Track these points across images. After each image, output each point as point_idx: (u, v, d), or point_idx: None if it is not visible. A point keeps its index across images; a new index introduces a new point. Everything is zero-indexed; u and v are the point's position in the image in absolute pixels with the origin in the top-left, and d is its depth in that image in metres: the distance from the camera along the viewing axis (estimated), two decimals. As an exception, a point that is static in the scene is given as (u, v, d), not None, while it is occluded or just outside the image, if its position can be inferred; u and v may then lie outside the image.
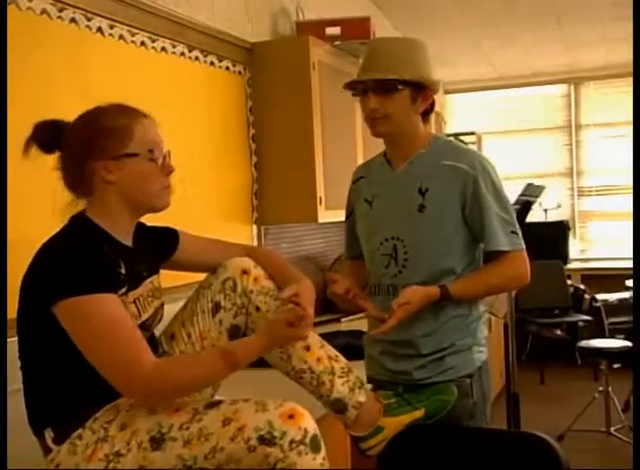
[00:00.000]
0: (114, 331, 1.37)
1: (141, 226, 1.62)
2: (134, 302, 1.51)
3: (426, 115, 1.93)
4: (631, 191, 6.10)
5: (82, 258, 1.39)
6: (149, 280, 1.60)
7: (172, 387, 1.42)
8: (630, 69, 5.70)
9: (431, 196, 1.86)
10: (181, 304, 1.72)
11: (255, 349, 1.51)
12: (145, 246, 1.61)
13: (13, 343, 1.52)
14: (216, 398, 1.63)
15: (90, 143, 1.49)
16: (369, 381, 1.89)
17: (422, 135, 1.92)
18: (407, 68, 1.83)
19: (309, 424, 1.37)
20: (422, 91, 1.86)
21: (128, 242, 1.56)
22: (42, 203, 1.56)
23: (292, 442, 1.34)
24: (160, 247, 1.68)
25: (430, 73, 1.88)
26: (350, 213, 2.06)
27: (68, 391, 1.45)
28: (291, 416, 1.36)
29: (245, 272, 1.67)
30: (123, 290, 1.46)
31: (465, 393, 1.84)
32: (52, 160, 1.55)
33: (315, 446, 1.37)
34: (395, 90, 1.83)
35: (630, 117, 5.91)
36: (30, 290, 1.42)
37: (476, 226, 1.85)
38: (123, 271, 1.49)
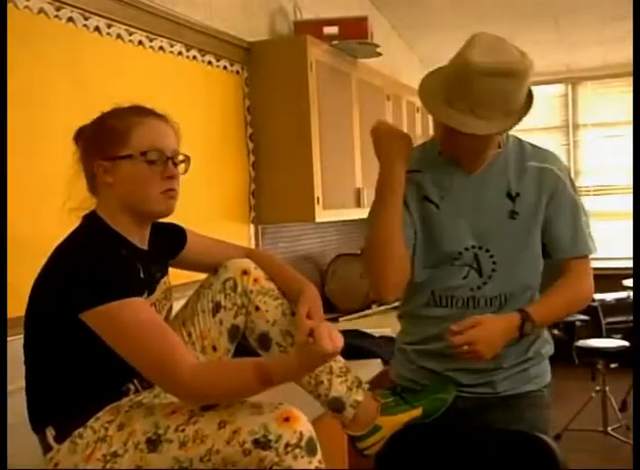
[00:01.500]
0: (148, 335, 1.37)
1: (153, 224, 1.61)
2: (153, 305, 1.52)
3: None
4: (628, 191, 6.11)
5: (106, 265, 1.39)
6: (162, 281, 1.61)
7: (206, 393, 1.39)
8: (628, 69, 5.71)
9: (522, 201, 1.71)
10: (182, 303, 1.73)
11: (291, 369, 1.43)
12: (156, 246, 1.60)
13: (12, 342, 1.52)
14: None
15: (91, 142, 1.51)
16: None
17: (495, 138, 1.70)
18: (498, 110, 1.57)
19: (305, 427, 1.37)
20: None
21: (143, 245, 1.56)
22: (50, 202, 1.56)
23: (287, 445, 1.33)
24: (168, 245, 1.68)
25: (525, 103, 1.62)
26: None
27: (71, 389, 1.45)
28: (286, 419, 1.35)
29: (245, 273, 1.68)
30: (145, 295, 1.47)
31: (546, 403, 1.83)
32: (60, 158, 1.55)
33: (311, 450, 1.36)
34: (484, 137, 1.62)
35: (628, 117, 5.93)
36: (51, 294, 1.41)
37: (558, 232, 1.74)
38: (142, 276, 1.49)
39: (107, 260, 1.40)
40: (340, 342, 1.37)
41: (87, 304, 1.36)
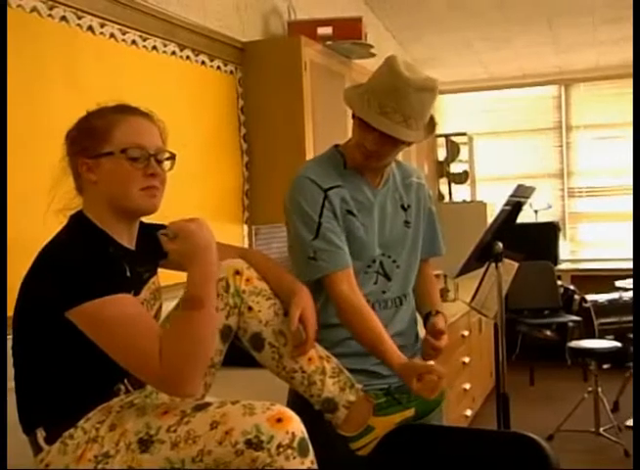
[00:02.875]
0: (132, 331, 1.36)
1: (142, 224, 1.61)
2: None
3: None
4: (621, 192, 6.14)
5: (92, 263, 1.38)
6: (150, 281, 1.60)
7: (181, 368, 1.35)
8: (621, 71, 5.75)
9: (411, 212, 1.97)
10: (173, 303, 1.72)
11: (194, 274, 1.40)
12: (144, 246, 1.60)
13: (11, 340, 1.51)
14: (206, 399, 1.62)
15: (75, 141, 1.50)
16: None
17: None
18: (422, 122, 1.81)
19: (297, 428, 1.36)
20: None
21: (131, 245, 1.55)
22: (40, 202, 1.55)
23: (279, 446, 1.32)
24: (158, 247, 1.67)
25: (433, 119, 1.87)
26: (321, 221, 1.81)
27: (61, 390, 1.44)
28: (278, 420, 1.35)
29: (237, 273, 1.67)
30: (131, 294, 1.46)
31: None
32: (50, 158, 1.55)
33: (303, 450, 1.35)
34: (403, 142, 1.80)
35: (621, 119, 5.96)
36: (37, 294, 1.41)
37: (425, 235, 2.01)
38: (129, 275, 1.49)
39: (91, 258, 1.39)
40: (196, 218, 1.45)
41: (71, 301, 1.35)
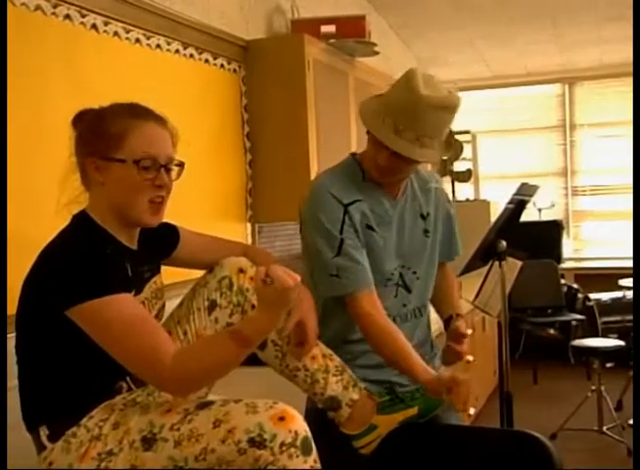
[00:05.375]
0: (133, 330, 1.37)
1: None
2: (142, 304, 1.51)
3: None
4: (624, 191, 6.12)
5: (92, 261, 1.38)
6: (152, 280, 1.60)
7: (192, 376, 1.39)
8: (625, 69, 5.73)
9: (430, 220, 1.93)
10: (177, 301, 1.72)
11: (261, 321, 1.41)
12: (147, 245, 1.60)
13: (12, 339, 1.51)
14: (209, 397, 1.62)
15: (86, 138, 1.50)
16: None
17: None
18: (439, 141, 1.76)
19: (300, 426, 1.36)
20: None
21: (132, 245, 1.55)
22: (42, 200, 1.55)
23: (282, 444, 1.32)
24: (160, 245, 1.67)
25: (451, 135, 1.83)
26: (343, 238, 1.78)
27: (63, 388, 1.45)
28: (281, 418, 1.35)
29: (241, 271, 1.68)
30: (132, 294, 1.46)
31: None
32: (52, 157, 1.55)
33: (306, 449, 1.35)
34: (418, 162, 1.78)
35: (624, 118, 5.94)
36: (38, 292, 1.41)
37: (444, 238, 1.98)
38: (130, 274, 1.49)
39: (92, 257, 1.39)
40: (296, 276, 1.38)
41: (72, 300, 1.35)
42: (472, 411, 1.74)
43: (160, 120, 1.51)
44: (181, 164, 1.54)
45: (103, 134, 1.47)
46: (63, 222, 1.51)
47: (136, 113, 1.50)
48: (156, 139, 1.48)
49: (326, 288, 1.79)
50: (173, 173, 1.53)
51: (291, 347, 1.67)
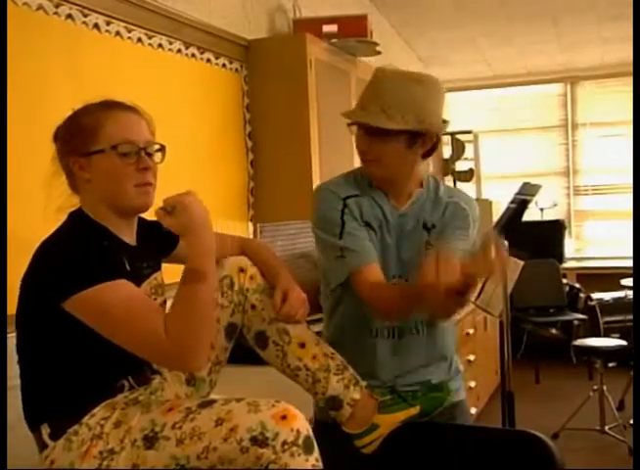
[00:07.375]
0: (131, 313, 1.36)
1: (142, 221, 1.61)
2: None
3: (427, 155, 1.82)
4: (626, 190, 6.11)
5: (88, 254, 1.39)
6: (152, 277, 1.60)
7: (190, 334, 1.36)
8: (626, 68, 5.72)
9: (435, 232, 1.84)
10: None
11: (193, 247, 1.41)
12: (147, 242, 1.60)
13: (12, 338, 1.52)
14: (211, 396, 1.62)
15: (65, 140, 1.51)
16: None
17: (417, 174, 1.84)
18: (409, 114, 1.68)
19: (302, 425, 1.36)
20: (421, 136, 1.74)
21: (131, 240, 1.55)
22: (41, 200, 1.56)
23: (284, 443, 1.33)
24: (161, 242, 1.67)
25: (436, 118, 1.74)
26: (344, 220, 1.78)
27: (66, 386, 1.45)
28: (283, 417, 1.35)
29: (241, 270, 1.69)
30: None
31: None
32: (48, 157, 1.55)
33: (308, 448, 1.35)
34: (389, 135, 1.70)
35: (626, 117, 5.93)
36: (35, 288, 1.41)
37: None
38: (128, 268, 1.49)
39: (86, 249, 1.39)
40: (189, 190, 1.45)
41: (68, 291, 1.35)
42: (473, 411, 1.73)
43: (131, 109, 1.52)
44: (162, 148, 1.54)
45: (78, 130, 1.48)
46: (59, 223, 1.51)
47: (107, 105, 1.51)
48: (129, 124, 1.49)
49: (335, 274, 1.78)
50: (156, 157, 1.53)
51: (293, 345, 1.67)
